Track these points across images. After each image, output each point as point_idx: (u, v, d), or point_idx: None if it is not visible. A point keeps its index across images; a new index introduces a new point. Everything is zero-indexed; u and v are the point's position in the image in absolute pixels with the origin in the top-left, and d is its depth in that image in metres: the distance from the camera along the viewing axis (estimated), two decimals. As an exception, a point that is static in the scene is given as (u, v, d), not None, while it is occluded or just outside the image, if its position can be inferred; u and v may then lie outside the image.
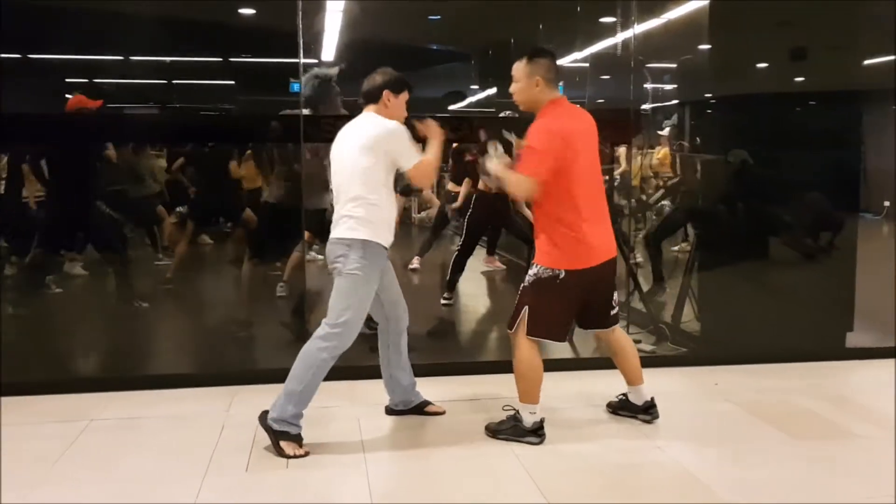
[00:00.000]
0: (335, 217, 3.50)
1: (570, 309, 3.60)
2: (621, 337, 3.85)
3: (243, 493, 3.08)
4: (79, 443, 3.57)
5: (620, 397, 3.94)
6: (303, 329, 4.54)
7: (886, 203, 6.64)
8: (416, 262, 6.41)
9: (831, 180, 5.17)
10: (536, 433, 3.56)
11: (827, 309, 5.11)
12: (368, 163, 3.41)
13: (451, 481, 3.23)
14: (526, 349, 3.52)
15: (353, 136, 3.48)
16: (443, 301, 5.91)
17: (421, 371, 3.97)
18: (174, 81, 5.00)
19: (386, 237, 3.50)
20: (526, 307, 3.51)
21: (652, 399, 3.84)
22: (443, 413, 3.92)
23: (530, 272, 3.54)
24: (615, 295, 3.75)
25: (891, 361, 4.88)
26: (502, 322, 3.92)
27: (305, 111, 4.49)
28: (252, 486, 3.15)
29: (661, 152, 6.54)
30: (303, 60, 4.45)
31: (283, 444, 3.39)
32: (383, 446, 3.56)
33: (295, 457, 3.36)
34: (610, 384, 4.01)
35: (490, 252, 6.75)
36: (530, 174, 3.40)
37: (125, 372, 4.50)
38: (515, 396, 3.59)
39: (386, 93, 3.51)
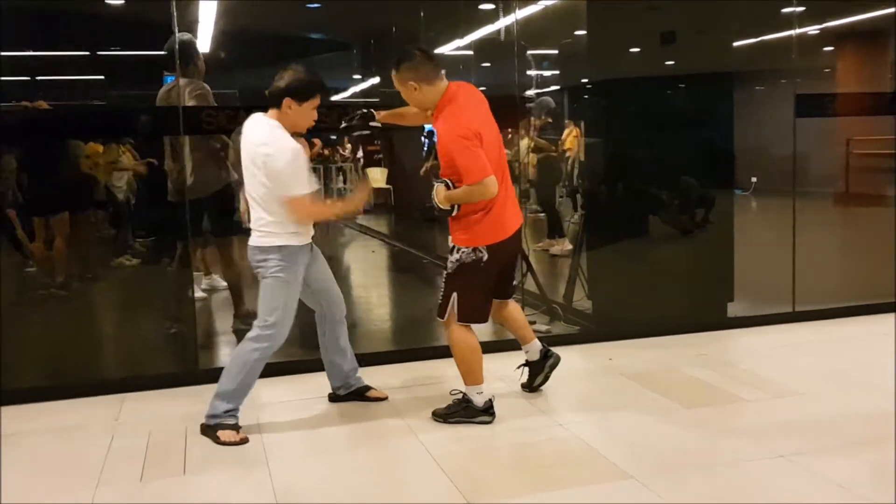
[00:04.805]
0: (252, 220, 3.44)
1: (492, 287, 3.65)
2: (509, 303, 3.92)
3: (139, 504, 2.93)
4: (-49, 465, 3.31)
5: (521, 368, 3.99)
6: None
7: (754, 179, 7.01)
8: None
9: (705, 159, 5.39)
10: (488, 412, 3.61)
11: (709, 281, 5.34)
12: (264, 179, 3.33)
13: (357, 472, 3.19)
14: (461, 333, 3.57)
15: (252, 148, 3.35)
16: None
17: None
18: (39, 78, 4.68)
19: (300, 238, 3.46)
20: (455, 294, 3.53)
21: (544, 345, 3.95)
22: (385, 398, 3.92)
23: (452, 258, 3.54)
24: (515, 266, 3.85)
25: (766, 328, 5.20)
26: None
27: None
28: (147, 495, 3.00)
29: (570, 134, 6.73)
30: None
31: (219, 433, 3.42)
32: (285, 443, 3.47)
33: (232, 443, 3.39)
34: (504, 365, 4.04)
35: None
36: (483, 174, 3.35)
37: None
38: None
39: (286, 100, 3.33)
